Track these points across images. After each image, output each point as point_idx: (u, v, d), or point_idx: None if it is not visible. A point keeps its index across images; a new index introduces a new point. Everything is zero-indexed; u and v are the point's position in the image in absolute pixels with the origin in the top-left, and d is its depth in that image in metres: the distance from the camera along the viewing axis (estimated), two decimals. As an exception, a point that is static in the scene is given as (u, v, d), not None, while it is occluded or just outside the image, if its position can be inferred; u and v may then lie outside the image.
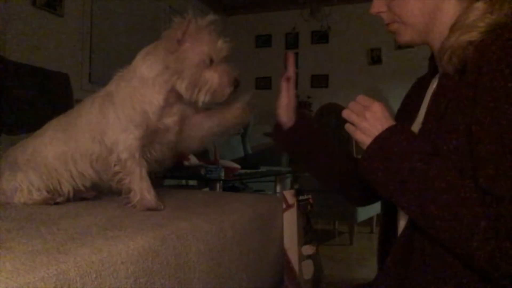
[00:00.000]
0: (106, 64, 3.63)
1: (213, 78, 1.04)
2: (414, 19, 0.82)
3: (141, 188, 1.05)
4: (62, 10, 3.15)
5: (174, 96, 1.08)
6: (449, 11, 0.79)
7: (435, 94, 0.81)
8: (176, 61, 1.03)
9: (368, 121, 0.78)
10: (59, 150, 1.09)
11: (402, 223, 0.85)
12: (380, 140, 0.76)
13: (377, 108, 0.78)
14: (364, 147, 0.79)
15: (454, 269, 0.71)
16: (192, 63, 1.03)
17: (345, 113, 0.82)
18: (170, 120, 1.10)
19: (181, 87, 1.04)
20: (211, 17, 1.04)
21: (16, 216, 0.90)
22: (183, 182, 3.39)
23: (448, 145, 0.72)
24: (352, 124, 0.81)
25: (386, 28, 0.87)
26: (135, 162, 1.05)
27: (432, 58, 0.89)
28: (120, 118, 1.06)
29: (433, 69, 0.89)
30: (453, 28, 0.76)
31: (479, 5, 0.74)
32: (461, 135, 0.71)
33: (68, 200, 1.11)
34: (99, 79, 3.53)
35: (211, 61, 1.04)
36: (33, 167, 1.08)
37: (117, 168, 1.05)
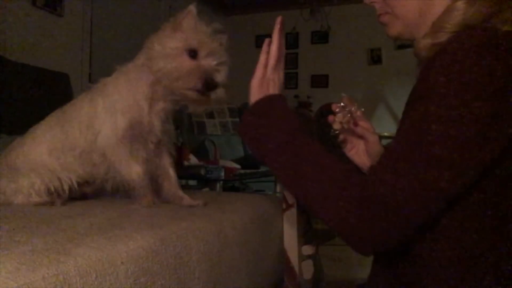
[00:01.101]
0: (106, 64, 3.61)
1: (185, 66, 1.00)
2: (405, 13, 0.81)
3: (129, 173, 1.03)
4: (62, 10, 3.15)
5: (160, 90, 1.07)
6: (438, 9, 0.78)
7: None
8: (158, 44, 1.02)
9: (278, 80, 0.83)
10: (51, 145, 1.08)
11: None
12: (274, 99, 0.80)
13: (281, 70, 0.84)
14: (253, 97, 0.81)
15: (442, 269, 0.71)
16: (171, 46, 1.00)
17: (271, 51, 0.84)
18: (155, 116, 1.09)
19: (153, 68, 1.03)
20: (216, 25, 1.03)
21: (16, 216, 0.90)
22: (183, 182, 3.39)
23: None
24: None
25: (377, 19, 0.88)
26: (118, 147, 1.03)
27: None
28: (106, 107, 1.05)
29: None
30: (430, 28, 0.76)
31: (458, 5, 0.72)
32: None
33: (69, 197, 1.10)
34: (99, 79, 3.52)
35: (195, 54, 1.01)
36: (33, 169, 1.07)
37: (100, 160, 1.04)
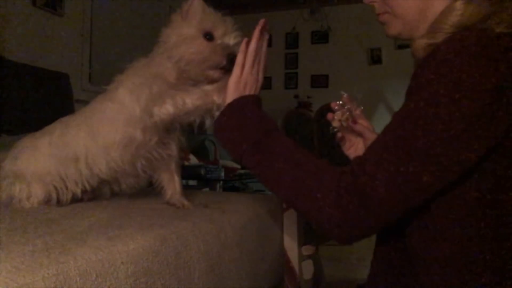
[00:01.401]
0: (106, 64, 3.63)
1: (205, 47, 0.99)
2: (404, 12, 0.82)
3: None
4: (62, 10, 3.15)
5: (183, 77, 1.04)
6: (437, 9, 0.78)
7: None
8: (173, 33, 1.01)
9: (256, 81, 0.84)
10: (60, 152, 1.06)
11: None
12: (247, 100, 0.80)
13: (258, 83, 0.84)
14: (228, 98, 0.82)
15: (440, 268, 0.71)
16: (187, 32, 1.00)
17: (248, 51, 0.85)
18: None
19: (174, 58, 1.01)
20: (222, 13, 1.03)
21: (16, 216, 0.90)
22: (183, 182, 3.40)
23: None
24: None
25: (377, 19, 0.88)
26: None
27: None
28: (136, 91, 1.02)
29: None
30: (428, 29, 0.76)
31: (457, 5, 0.72)
32: None
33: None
34: (99, 79, 3.53)
35: (211, 36, 1.00)
36: (34, 175, 1.05)
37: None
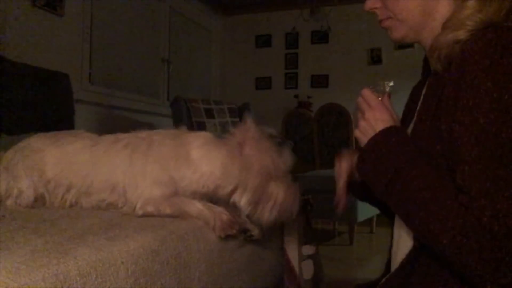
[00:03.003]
0: (106, 64, 3.63)
1: (278, 191, 0.93)
2: (407, 15, 0.81)
3: (199, 210, 0.93)
4: (62, 10, 3.15)
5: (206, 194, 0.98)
6: (443, 8, 0.79)
7: (425, 94, 0.82)
8: (241, 169, 0.92)
9: (367, 121, 0.81)
10: (74, 180, 1.03)
11: (396, 231, 0.86)
12: (373, 142, 0.79)
13: (377, 109, 0.81)
14: (362, 145, 0.82)
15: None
16: (258, 172, 0.92)
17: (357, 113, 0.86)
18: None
19: (242, 200, 0.93)
20: (271, 130, 0.97)
21: (16, 216, 0.90)
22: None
23: (436, 146, 0.74)
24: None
25: (380, 25, 0.88)
26: (164, 206, 0.95)
27: (426, 60, 0.89)
28: (146, 173, 0.97)
29: (428, 70, 0.90)
30: (444, 26, 0.76)
31: (471, 3, 0.73)
32: (445, 135, 0.71)
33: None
34: (99, 79, 3.53)
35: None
36: (34, 175, 1.04)
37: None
